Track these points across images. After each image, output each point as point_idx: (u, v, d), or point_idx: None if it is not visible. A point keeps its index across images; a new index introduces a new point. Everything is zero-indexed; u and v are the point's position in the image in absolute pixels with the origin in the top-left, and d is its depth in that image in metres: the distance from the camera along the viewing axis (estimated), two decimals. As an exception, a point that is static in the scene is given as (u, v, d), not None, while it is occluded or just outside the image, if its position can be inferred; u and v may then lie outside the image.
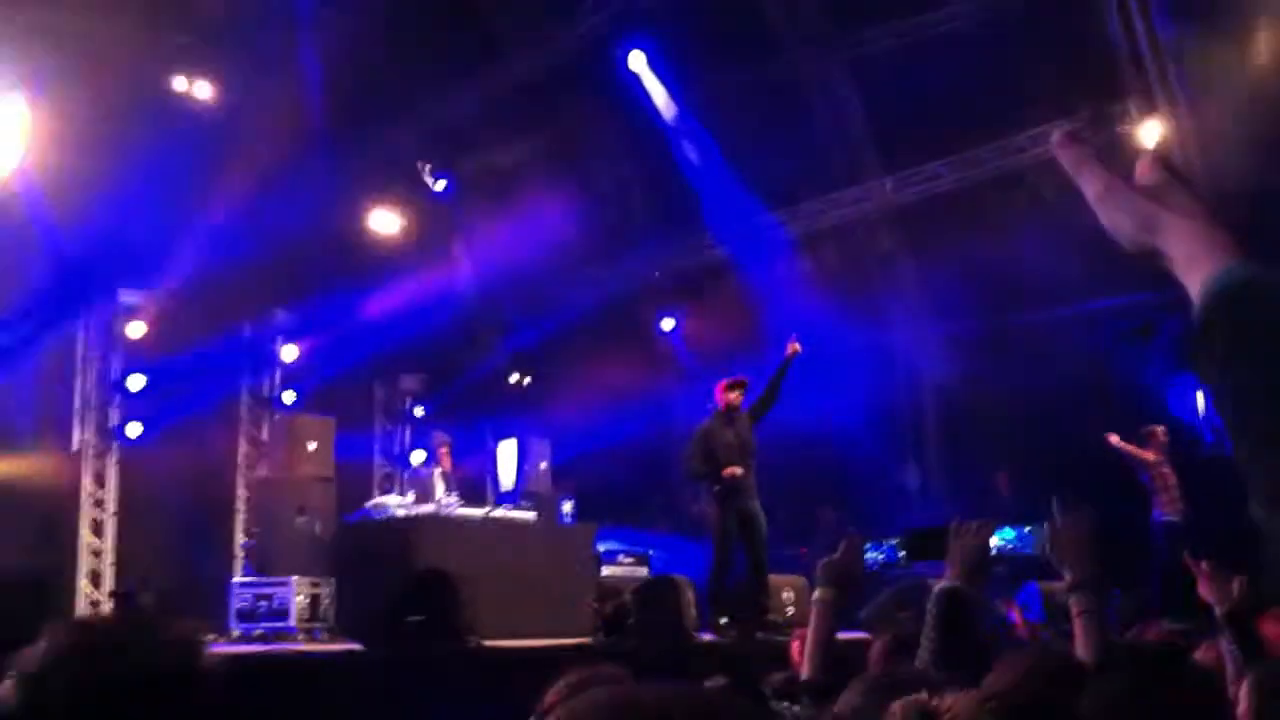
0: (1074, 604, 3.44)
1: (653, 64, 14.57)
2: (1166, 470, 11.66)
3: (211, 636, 10.37)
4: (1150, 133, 12.50)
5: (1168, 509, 11.58)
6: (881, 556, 11.84)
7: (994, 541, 3.52)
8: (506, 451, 12.97)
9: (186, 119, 12.41)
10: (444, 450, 12.19)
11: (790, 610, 10.08)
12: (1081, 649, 3.35)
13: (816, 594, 3.80)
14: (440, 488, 11.53)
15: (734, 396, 10.35)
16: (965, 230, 13.88)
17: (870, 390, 15.44)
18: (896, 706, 1.98)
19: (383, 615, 8.37)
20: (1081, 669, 2.96)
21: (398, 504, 11.31)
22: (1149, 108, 12.55)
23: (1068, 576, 3.38)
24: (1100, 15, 12.57)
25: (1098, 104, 12.81)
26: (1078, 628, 3.40)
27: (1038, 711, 2.16)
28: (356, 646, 8.23)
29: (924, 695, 1.98)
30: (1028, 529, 12.39)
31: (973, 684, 2.49)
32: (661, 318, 16.74)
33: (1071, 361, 13.50)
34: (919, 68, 13.39)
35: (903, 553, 11.14)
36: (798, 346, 10.47)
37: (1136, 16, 12.41)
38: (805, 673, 3.75)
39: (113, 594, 8.26)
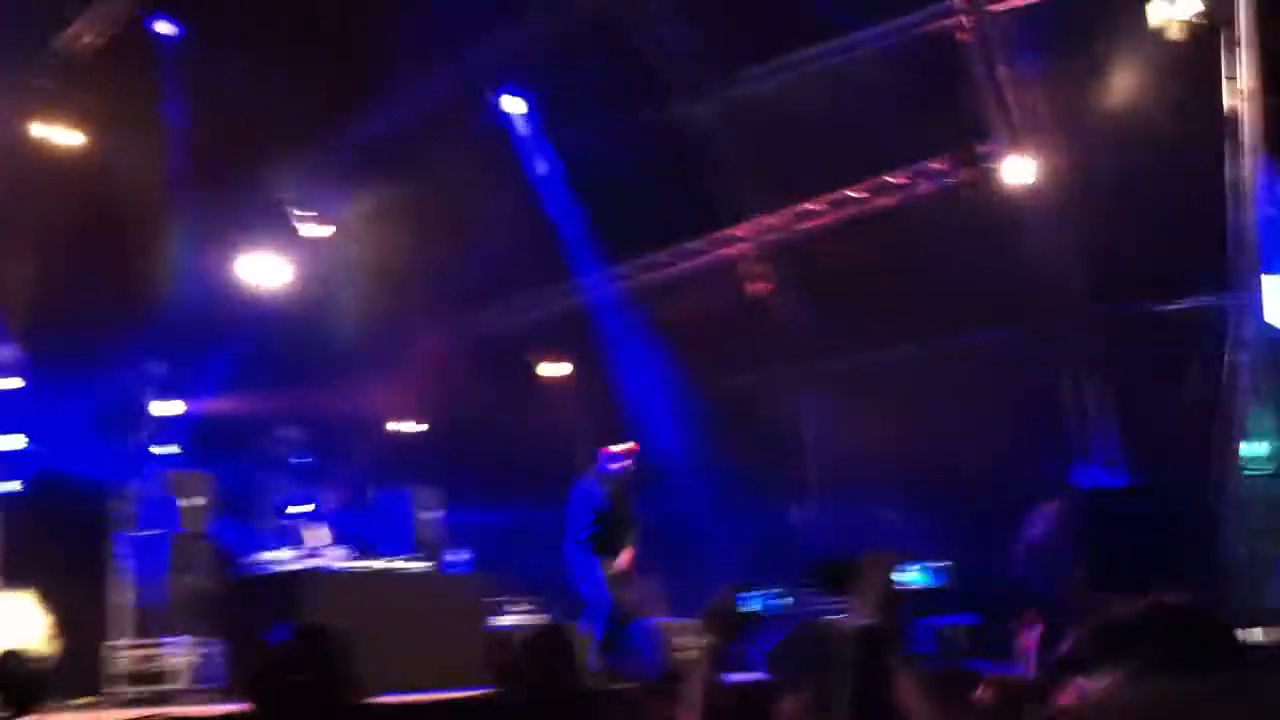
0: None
1: (529, 111, 14.64)
2: None
3: (93, 700, 10.16)
4: (1015, 169, 12.83)
5: None
6: (758, 605, 11.80)
7: (904, 577, 3.48)
8: (396, 501, 12.86)
9: (49, 166, 12.17)
10: (330, 501, 12.05)
11: (693, 653, 10.09)
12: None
13: (704, 641, 3.87)
14: (326, 539, 11.39)
15: (625, 464, 10.67)
16: (841, 268, 14.11)
17: (753, 427, 15.58)
18: None
19: (267, 674, 8.20)
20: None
21: (285, 557, 11.14)
22: (1014, 144, 12.87)
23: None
24: (965, 54, 12.88)
25: (966, 142, 13.12)
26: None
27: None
28: (243, 708, 8.06)
29: None
30: (923, 565, 12.56)
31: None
32: (541, 363, 16.71)
33: (950, 394, 13.72)
34: (793, 108, 13.62)
35: (805, 587, 11.26)
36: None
37: (999, 54, 12.74)
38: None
39: (-10, 666, 8.00)
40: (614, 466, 10.88)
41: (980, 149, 13.12)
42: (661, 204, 14.75)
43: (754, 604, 12.40)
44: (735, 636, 3.98)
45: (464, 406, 15.32)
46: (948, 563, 12.49)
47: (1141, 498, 12.18)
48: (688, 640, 10.15)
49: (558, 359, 16.69)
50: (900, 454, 14.11)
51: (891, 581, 3.31)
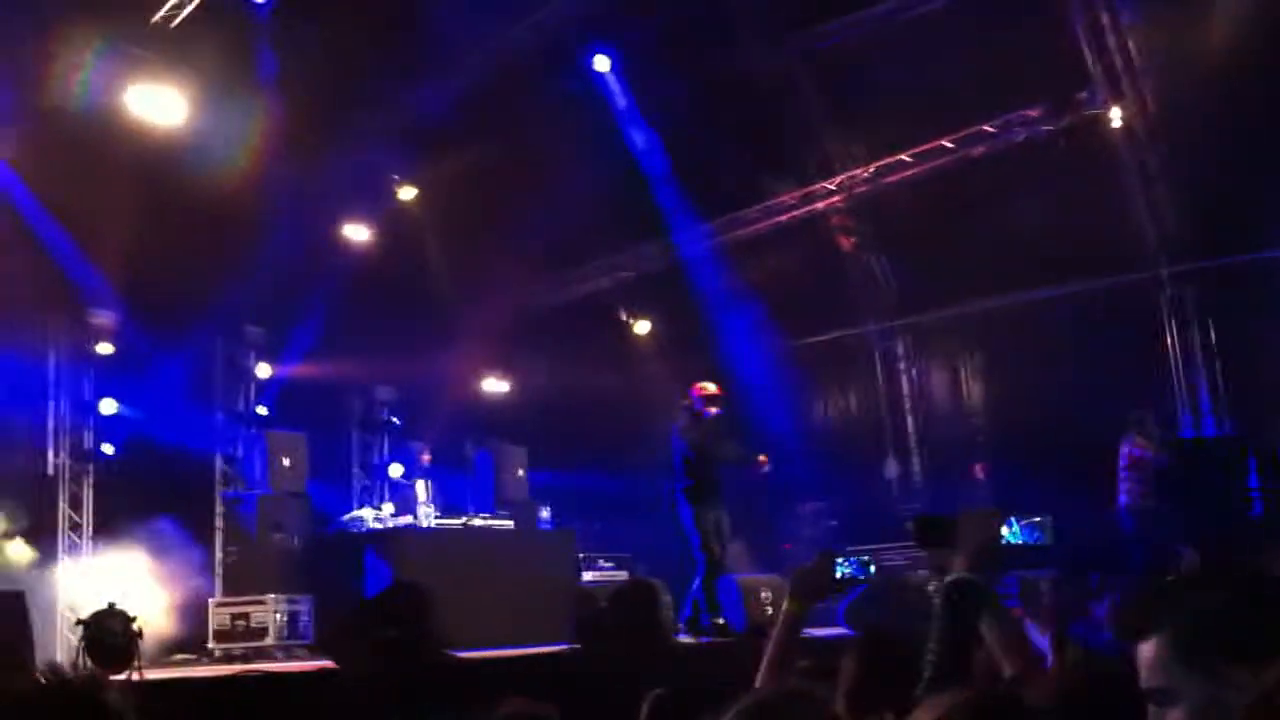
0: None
1: (615, 68, 14.58)
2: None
3: (191, 657, 10.39)
4: (1115, 117, 12.52)
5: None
6: (849, 570, 11.65)
7: (1004, 532, 3.45)
8: (483, 460, 12.96)
9: (147, 135, 12.34)
10: (425, 460, 12.17)
11: (769, 610, 10.06)
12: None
13: (784, 605, 3.83)
14: (422, 498, 11.51)
15: (714, 407, 10.44)
16: (932, 219, 13.89)
17: (845, 384, 15.46)
18: None
19: (356, 631, 8.30)
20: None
21: (374, 516, 11.28)
22: (1113, 93, 12.54)
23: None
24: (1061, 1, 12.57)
25: (1061, 91, 12.82)
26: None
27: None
28: (330, 664, 8.17)
29: None
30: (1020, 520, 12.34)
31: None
32: (634, 320, 16.70)
33: (1042, 347, 13.46)
34: (881, 59, 13.39)
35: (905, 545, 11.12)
36: (765, 464, 10.54)
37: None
38: (759, 682, 3.72)
39: (79, 622, 8.22)
40: (707, 410, 10.60)
41: (1077, 96, 12.80)
42: (749, 159, 14.60)
43: (845, 569, 12.25)
44: (820, 601, 3.94)
45: (555, 366, 15.35)
46: (1045, 518, 12.26)
47: (1238, 448, 11.89)
48: (771, 595, 10.11)
49: (648, 318, 16.65)
50: (997, 407, 13.90)
51: (993, 539, 3.26)
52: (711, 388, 10.58)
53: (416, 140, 14.77)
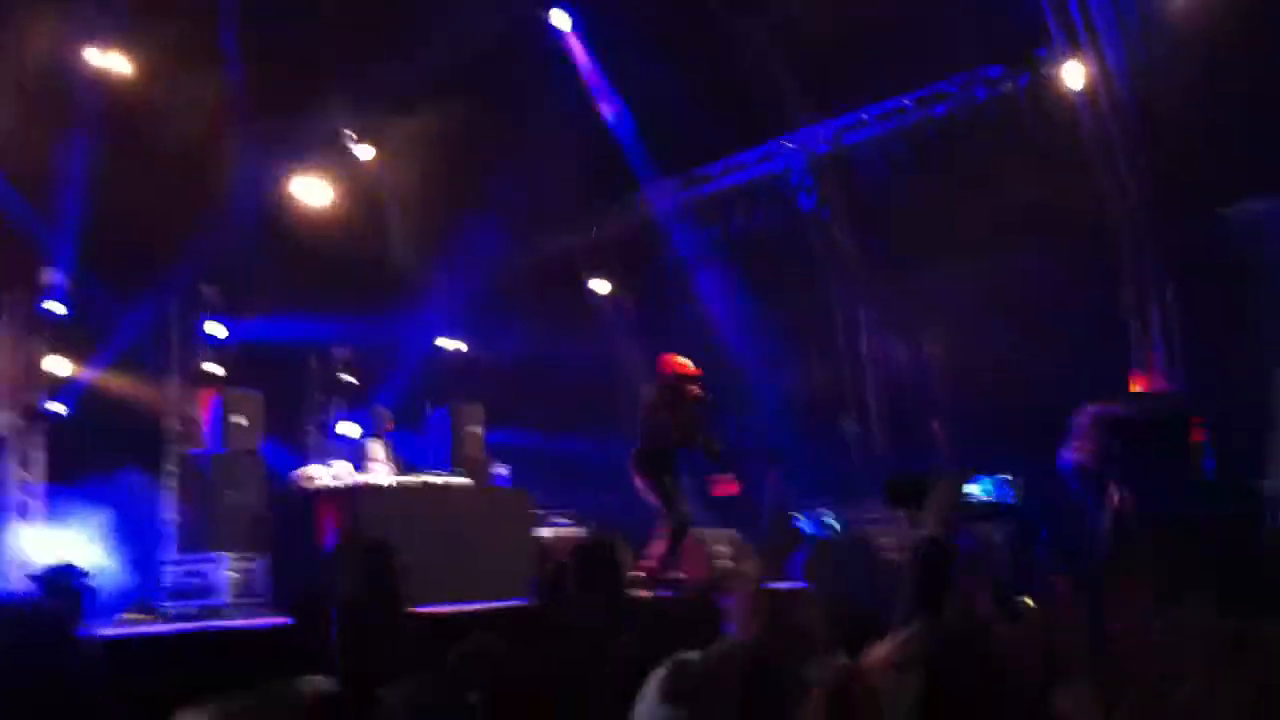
0: None
1: (576, 23, 14.48)
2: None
3: (143, 615, 10.31)
4: (1073, 75, 12.51)
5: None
6: (808, 527, 11.62)
7: (971, 490, 3.47)
8: (440, 418, 12.90)
9: (103, 94, 12.20)
10: (388, 423, 12.08)
11: (726, 564, 10.07)
12: None
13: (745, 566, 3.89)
14: (380, 456, 11.44)
15: (694, 387, 10.21)
16: (894, 179, 13.87)
17: (808, 346, 15.46)
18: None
19: (313, 587, 8.24)
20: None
21: (329, 474, 11.18)
22: (1072, 50, 12.53)
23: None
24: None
25: (1023, 50, 12.81)
26: None
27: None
28: (286, 621, 8.11)
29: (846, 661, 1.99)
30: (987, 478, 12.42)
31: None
32: (594, 281, 16.64)
33: (1004, 309, 13.45)
34: (840, 13, 13.31)
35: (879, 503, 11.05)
36: (736, 489, 10.39)
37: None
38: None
39: (31, 579, 8.12)
40: (688, 389, 10.38)
41: (1039, 55, 12.79)
42: (710, 118, 14.54)
43: (804, 526, 12.31)
44: (784, 566, 4.01)
45: (516, 327, 15.29)
46: (1017, 476, 12.32)
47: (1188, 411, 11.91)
48: (728, 550, 10.12)
49: (612, 279, 16.60)
50: (958, 368, 13.94)
51: (960, 498, 3.29)
52: (689, 365, 10.28)
53: (379, 98, 14.65)
